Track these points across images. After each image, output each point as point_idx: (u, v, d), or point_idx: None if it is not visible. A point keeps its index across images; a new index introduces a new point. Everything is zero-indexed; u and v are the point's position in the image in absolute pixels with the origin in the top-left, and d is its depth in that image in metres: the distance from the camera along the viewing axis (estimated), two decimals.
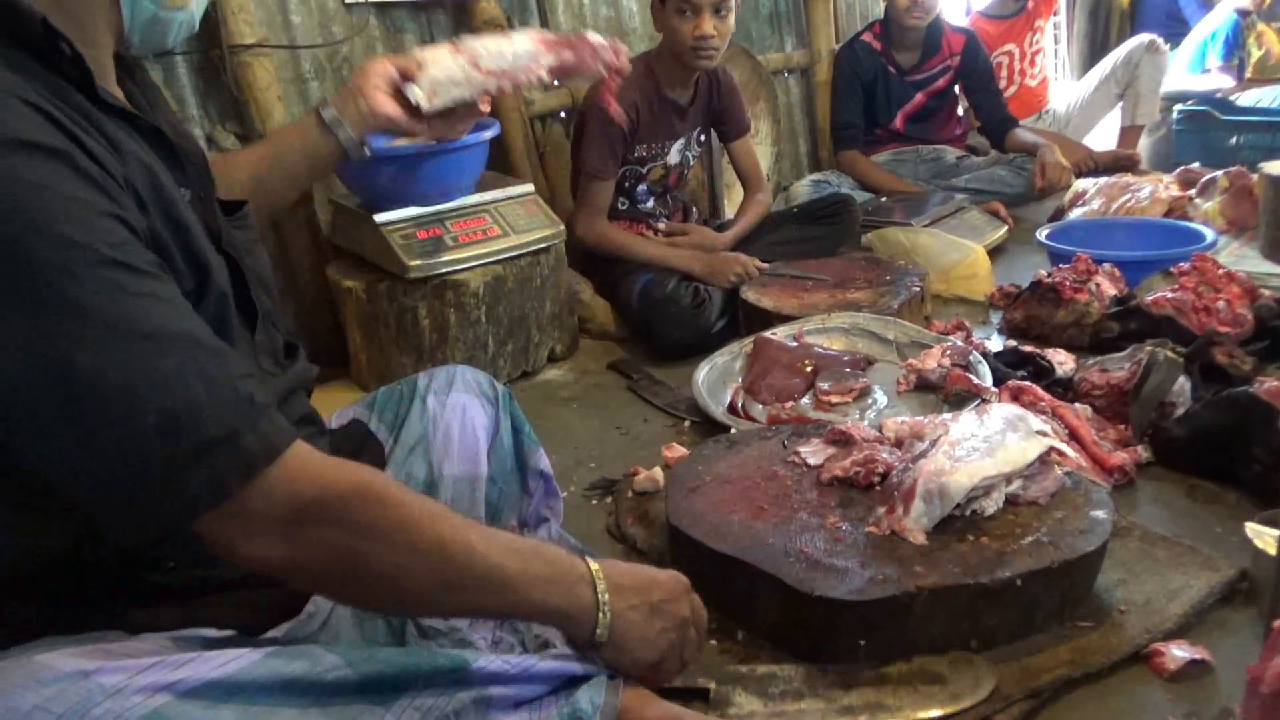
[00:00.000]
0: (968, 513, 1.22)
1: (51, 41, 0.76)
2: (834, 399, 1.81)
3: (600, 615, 0.87)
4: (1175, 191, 2.91)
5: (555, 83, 1.21)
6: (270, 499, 0.74)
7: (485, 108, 1.86)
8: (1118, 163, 3.60)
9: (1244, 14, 4.51)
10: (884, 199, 3.02)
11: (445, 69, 1.20)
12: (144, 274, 0.72)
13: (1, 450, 0.72)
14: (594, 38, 1.30)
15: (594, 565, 0.89)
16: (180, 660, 0.70)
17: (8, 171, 0.67)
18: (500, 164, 2.53)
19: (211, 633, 0.82)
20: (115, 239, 0.71)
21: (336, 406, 1.91)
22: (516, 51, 1.24)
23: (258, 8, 2.17)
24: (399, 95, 1.19)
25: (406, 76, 1.20)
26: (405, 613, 0.99)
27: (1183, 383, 1.57)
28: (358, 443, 1.21)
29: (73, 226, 0.68)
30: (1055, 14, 4.07)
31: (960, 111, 3.56)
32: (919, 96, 3.38)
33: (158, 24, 0.88)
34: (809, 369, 1.89)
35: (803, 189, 3.18)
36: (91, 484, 0.70)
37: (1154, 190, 2.93)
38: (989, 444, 1.26)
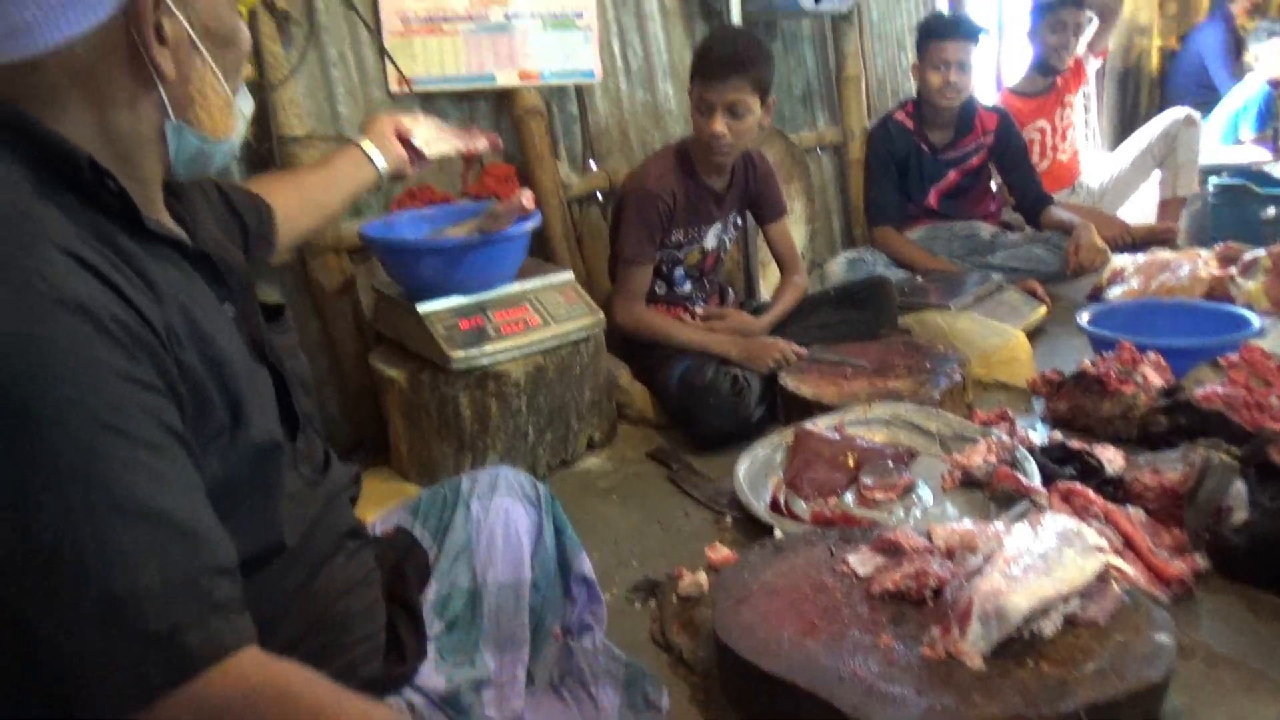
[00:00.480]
0: (1025, 634, 1.19)
1: (98, 181, 0.78)
2: (878, 495, 1.79)
3: None
4: (1215, 269, 2.89)
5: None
6: (199, 709, 0.68)
7: (530, 205, 1.91)
8: (1154, 236, 3.59)
9: (1276, 85, 4.52)
10: (920, 279, 3.01)
11: (427, 131, 1.54)
12: (137, 442, 0.70)
13: None
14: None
15: None
16: None
17: (32, 329, 0.67)
18: (539, 248, 2.56)
19: None
20: (118, 401, 0.70)
21: (379, 496, 1.93)
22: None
23: (307, 100, 2.24)
24: (405, 143, 1.51)
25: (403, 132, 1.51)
26: None
27: (1239, 487, 1.54)
28: (402, 552, 1.21)
29: (75, 388, 0.68)
30: (1085, 84, 4.10)
31: (994, 188, 3.56)
32: (952, 174, 3.39)
33: (202, 156, 0.90)
34: (851, 463, 1.87)
35: (838, 267, 3.19)
36: (43, 653, 0.66)
37: (1193, 268, 2.91)
38: (1046, 561, 1.23)
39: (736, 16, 2.92)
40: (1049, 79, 3.80)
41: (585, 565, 1.32)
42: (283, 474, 0.91)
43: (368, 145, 1.46)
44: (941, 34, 3.18)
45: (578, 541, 1.31)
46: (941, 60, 3.17)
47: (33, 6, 0.75)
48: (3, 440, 0.66)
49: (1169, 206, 3.79)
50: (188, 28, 0.83)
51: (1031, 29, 3.78)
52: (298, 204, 1.39)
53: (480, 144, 1.64)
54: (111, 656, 0.66)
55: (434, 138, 1.55)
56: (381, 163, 1.46)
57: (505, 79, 2.52)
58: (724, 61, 2.22)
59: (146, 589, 0.67)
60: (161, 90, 0.82)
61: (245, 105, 0.94)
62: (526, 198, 1.91)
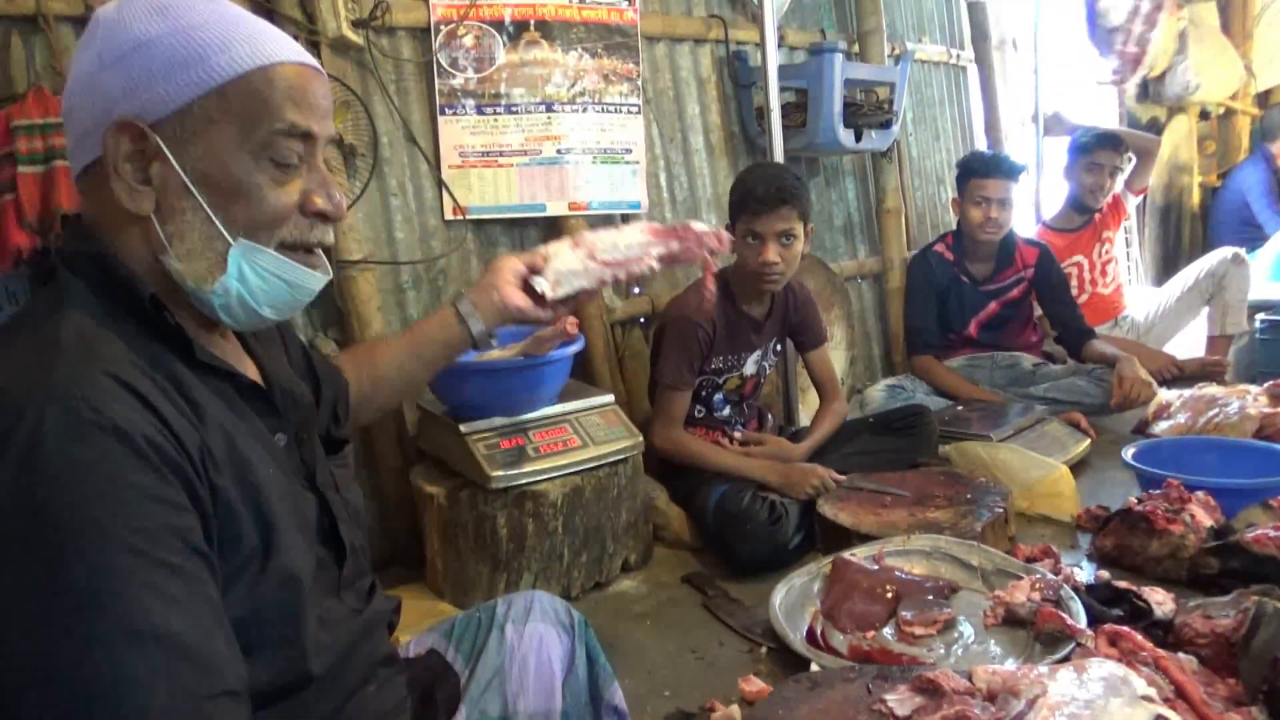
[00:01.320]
0: None
1: (157, 313, 0.85)
2: (918, 630, 1.75)
3: None
4: (1266, 407, 2.84)
5: (653, 269, 1.39)
6: None
7: (574, 330, 1.96)
8: (1204, 369, 3.55)
9: None
10: (960, 408, 3.00)
11: (566, 261, 1.34)
12: (158, 563, 0.73)
13: None
14: (698, 226, 1.42)
15: None
16: None
17: (73, 451, 0.71)
18: (581, 369, 2.61)
19: None
20: (144, 523, 0.73)
21: (413, 615, 1.92)
22: (629, 242, 1.37)
23: (365, 226, 2.36)
24: (527, 288, 1.34)
25: (534, 270, 1.35)
26: None
27: None
28: (435, 675, 1.21)
29: (106, 509, 0.71)
30: (1125, 220, 4.15)
31: (1035, 320, 3.58)
32: (993, 305, 3.42)
33: (201, 303, 0.91)
34: (890, 595, 1.84)
35: (877, 394, 3.20)
36: None
37: (1243, 405, 2.86)
38: (1092, 711, 1.19)
39: (780, 154, 3.04)
40: (1085, 216, 3.86)
41: (617, 695, 1.30)
42: (308, 606, 0.92)
43: (465, 305, 1.32)
44: (983, 172, 3.27)
45: (610, 671, 1.30)
46: (982, 197, 3.25)
47: (69, 134, 0.87)
48: (34, 557, 0.69)
49: (1217, 344, 3.76)
50: (179, 172, 0.85)
51: (1068, 167, 3.86)
52: (379, 372, 1.35)
53: (649, 265, 1.38)
54: None
55: (572, 271, 1.34)
56: (477, 325, 1.31)
57: (555, 208, 2.64)
58: (772, 194, 2.31)
59: (152, 712, 0.69)
60: (155, 225, 0.86)
61: (299, 277, 0.93)
62: (571, 323, 1.97)
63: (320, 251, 0.97)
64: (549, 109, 2.60)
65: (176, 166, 0.85)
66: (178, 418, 0.79)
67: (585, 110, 2.65)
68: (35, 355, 0.77)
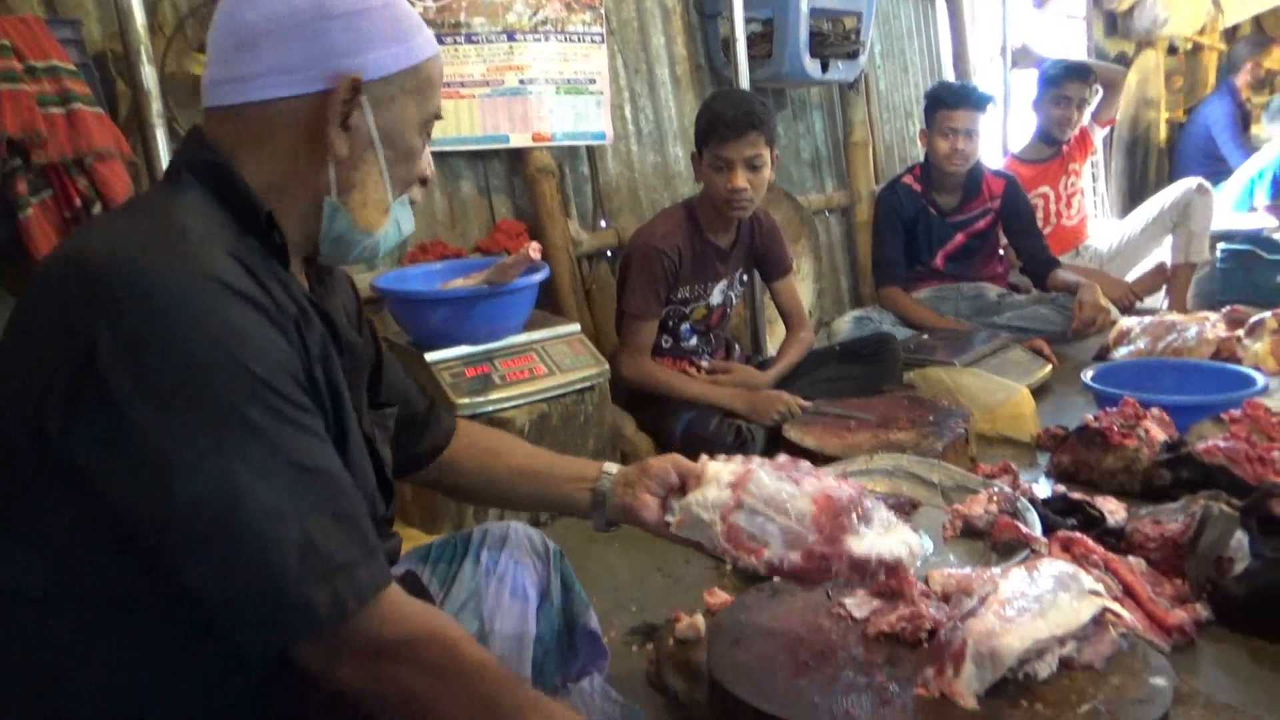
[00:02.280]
0: (1020, 676, 1.19)
1: (269, 230, 0.92)
2: None
3: None
4: (1223, 331, 2.90)
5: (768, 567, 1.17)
6: (366, 631, 0.82)
7: (536, 255, 1.95)
8: (1155, 283, 3.64)
9: None
10: (926, 336, 3.04)
11: (707, 505, 1.16)
12: (305, 412, 0.84)
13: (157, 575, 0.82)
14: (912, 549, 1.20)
15: None
16: None
17: (214, 309, 0.80)
18: (548, 301, 2.61)
19: None
20: (286, 381, 0.83)
21: None
22: (795, 510, 1.16)
23: None
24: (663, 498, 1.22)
25: (684, 480, 1.21)
26: None
27: (1240, 537, 1.53)
28: (412, 594, 1.22)
29: (257, 363, 0.80)
30: (1093, 153, 4.17)
31: (1000, 251, 3.61)
32: (959, 236, 3.44)
33: (345, 240, 1.00)
34: None
35: (844, 325, 3.23)
36: (229, 589, 0.79)
37: (1200, 330, 2.91)
38: (1040, 604, 1.23)
39: (745, 85, 3.02)
40: (1053, 148, 3.87)
41: (593, 620, 1.34)
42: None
43: (604, 484, 1.24)
44: (951, 103, 3.26)
45: (585, 599, 1.33)
46: (950, 128, 3.25)
47: (255, 64, 0.90)
48: (206, 402, 0.78)
49: (1180, 272, 3.81)
50: (371, 127, 0.95)
51: (1036, 100, 3.87)
52: (507, 477, 1.29)
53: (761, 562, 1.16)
54: (312, 584, 0.79)
55: (701, 520, 1.15)
56: (600, 518, 1.25)
57: (518, 140, 2.61)
58: (739, 120, 2.29)
59: (331, 531, 0.81)
60: (331, 169, 0.95)
61: (405, 222, 1.05)
62: (533, 249, 1.97)
63: None
64: (510, 38, 2.56)
65: (370, 123, 0.95)
66: (289, 305, 0.88)
67: (547, 39, 2.61)
68: (163, 233, 0.84)
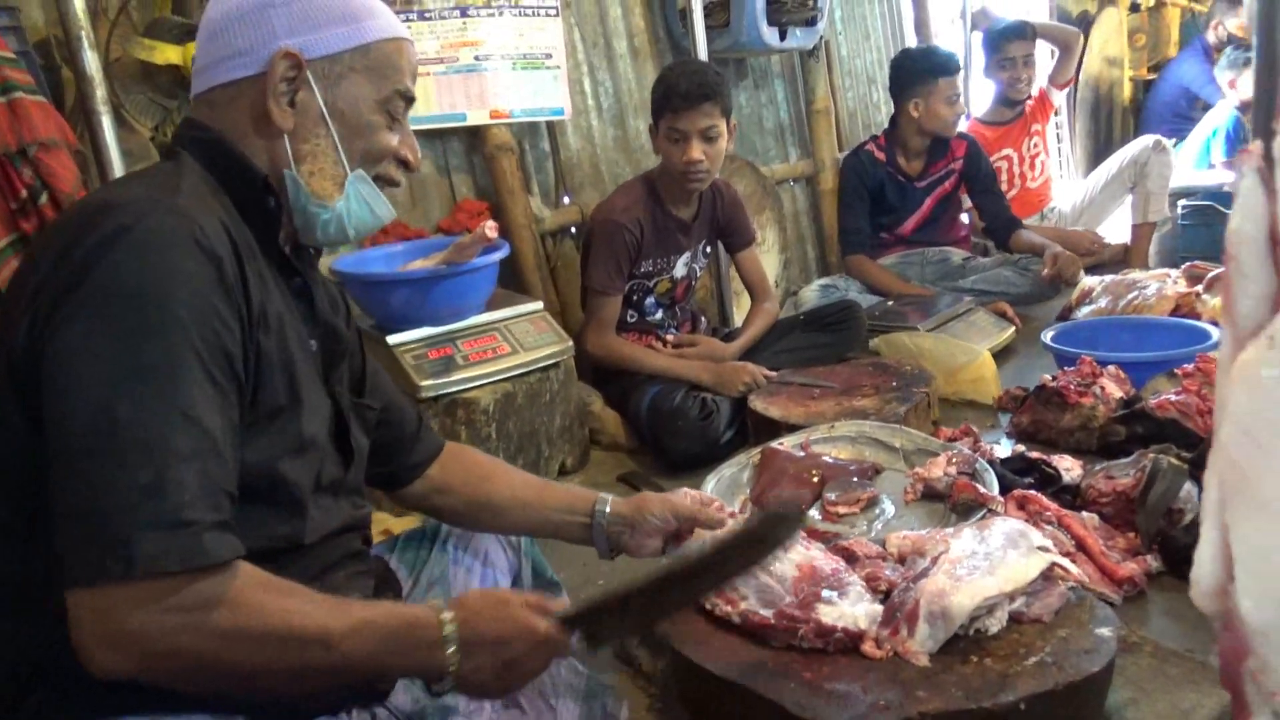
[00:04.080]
0: (971, 632, 1.21)
1: (264, 194, 1.00)
2: (841, 509, 1.81)
3: (449, 674, 0.94)
4: (1183, 287, 2.93)
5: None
6: (158, 606, 0.79)
7: (493, 234, 1.95)
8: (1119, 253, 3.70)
9: (1245, 109, 4.60)
10: (891, 303, 3.06)
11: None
12: (210, 373, 0.85)
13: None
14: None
15: (448, 627, 0.92)
16: None
17: (172, 253, 0.85)
18: (512, 279, 2.61)
19: None
20: (210, 338, 0.86)
21: None
22: (779, 571, 1.28)
23: None
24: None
25: (681, 527, 1.32)
26: (263, 694, 0.96)
27: (1189, 489, 1.56)
28: (378, 577, 1.23)
29: (186, 309, 0.84)
30: (1056, 114, 4.18)
31: (965, 218, 3.63)
32: (928, 202, 3.46)
33: (307, 213, 1.05)
34: (816, 479, 1.89)
35: (811, 294, 3.24)
36: (71, 506, 0.79)
37: (1161, 287, 2.95)
38: (990, 561, 1.25)
39: (704, 55, 3.00)
40: (1014, 110, 3.89)
41: (564, 602, 1.34)
42: (319, 476, 1.02)
43: (605, 517, 1.31)
44: (952, 70, 3.30)
45: (558, 582, 1.35)
46: (952, 94, 3.30)
47: (218, 51, 1.01)
48: (123, 326, 0.82)
49: (1141, 231, 3.85)
50: (320, 102, 1.02)
51: (986, 66, 3.90)
52: (503, 502, 1.32)
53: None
54: (145, 527, 0.78)
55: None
56: (603, 542, 1.32)
57: (476, 117, 2.59)
58: (693, 91, 2.28)
59: (188, 485, 0.80)
60: (286, 141, 1.02)
61: (377, 203, 1.09)
62: (490, 228, 1.96)
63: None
64: (464, 14, 2.53)
65: (319, 98, 1.02)
66: (253, 276, 0.94)
67: (501, 14, 2.59)
68: (158, 188, 0.92)
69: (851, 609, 1.24)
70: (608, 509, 1.30)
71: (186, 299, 0.84)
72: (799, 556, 1.32)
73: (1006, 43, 3.75)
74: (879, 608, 1.26)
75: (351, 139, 1.05)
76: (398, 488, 1.30)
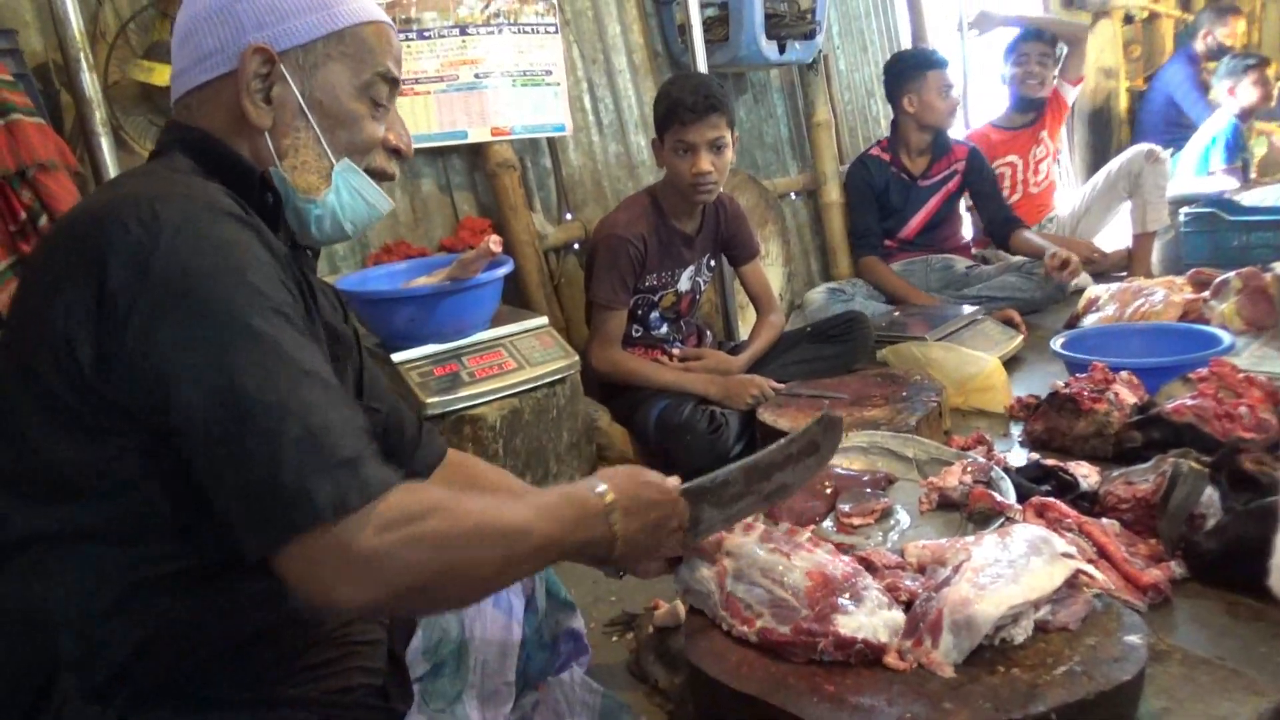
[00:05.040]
0: (996, 641, 1.18)
1: (261, 190, 0.98)
2: (856, 521, 1.78)
3: (616, 543, 1.01)
4: (1189, 294, 2.91)
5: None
6: (369, 532, 0.79)
7: (498, 249, 1.93)
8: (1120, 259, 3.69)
9: (1243, 117, 4.61)
10: (897, 313, 3.05)
11: (705, 580, 1.25)
12: (300, 328, 0.86)
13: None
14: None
15: (608, 497, 1.00)
16: None
17: (217, 229, 0.84)
18: (516, 297, 2.59)
19: None
20: (285, 298, 0.86)
21: None
22: (791, 583, 1.22)
23: None
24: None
25: (706, 549, 1.27)
26: (473, 600, 1.05)
27: (1211, 493, 1.54)
28: None
29: (259, 278, 0.84)
30: (1068, 112, 4.21)
31: (967, 233, 3.66)
32: (932, 202, 3.49)
33: (298, 212, 1.04)
34: (829, 491, 1.87)
35: (817, 296, 3.25)
36: (234, 487, 0.79)
37: (1167, 294, 2.93)
38: (1014, 569, 1.22)
39: (703, 69, 3.01)
40: (1028, 115, 3.92)
41: (577, 621, 1.32)
42: None
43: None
44: (940, 63, 3.38)
45: (572, 602, 1.32)
46: (944, 86, 3.37)
47: (190, 55, 0.99)
48: (209, 309, 0.81)
49: (1142, 241, 3.84)
50: (297, 94, 0.99)
51: (1004, 75, 3.95)
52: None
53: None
54: (314, 476, 0.78)
55: (706, 591, 1.25)
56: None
57: (477, 135, 2.58)
58: (700, 103, 2.28)
59: (334, 428, 0.80)
60: (267, 139, 1.00)
61: (369, 192, 1.07)
62: (494, 242, 1.95)
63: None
64: (463, 32, 2.53)
65: (296, 91, 0.99)
66: (276, 245, 0.92)
67: (501, 31, 2.59)
68: (163, 183, 0.89)
69: (870, 619, 1.21)
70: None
71: (248, 263, 0.84)
72: (807, 563, 1.27)
73: (1022, 43, 3.84)
74: (898, 614, 1.22)
75: (334, 130, 1.02)
76: None
